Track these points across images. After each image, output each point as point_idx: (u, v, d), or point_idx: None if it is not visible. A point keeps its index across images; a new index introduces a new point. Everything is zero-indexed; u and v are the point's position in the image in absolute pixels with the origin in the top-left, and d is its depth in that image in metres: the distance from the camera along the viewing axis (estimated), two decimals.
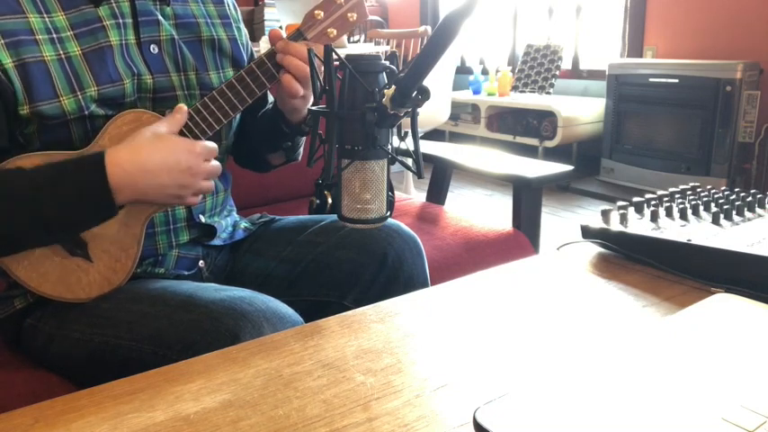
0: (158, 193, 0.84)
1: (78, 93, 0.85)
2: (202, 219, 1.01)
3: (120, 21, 0.90)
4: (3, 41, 0.81)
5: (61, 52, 0.85)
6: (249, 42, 1.11)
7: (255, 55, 1.10)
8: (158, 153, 0.82)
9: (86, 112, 0.86)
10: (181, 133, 0.89)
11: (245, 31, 1.10)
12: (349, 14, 0.94)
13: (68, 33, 0.86)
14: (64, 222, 0.81)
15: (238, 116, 1.07)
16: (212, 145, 0.88)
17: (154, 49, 0.93)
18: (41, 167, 0.81)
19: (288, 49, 0.92)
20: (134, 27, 0.92)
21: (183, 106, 0.89)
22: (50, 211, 0.79)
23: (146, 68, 0.92)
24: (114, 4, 0.90)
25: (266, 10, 4.37)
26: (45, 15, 0.85)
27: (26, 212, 0.78)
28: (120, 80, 0.88)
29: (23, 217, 0.79)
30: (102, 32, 0.88)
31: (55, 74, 0.84)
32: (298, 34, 0.94)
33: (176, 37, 0.96)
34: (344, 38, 4.18)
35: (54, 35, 0.85)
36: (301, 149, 1.15)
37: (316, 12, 0.94)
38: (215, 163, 0.89)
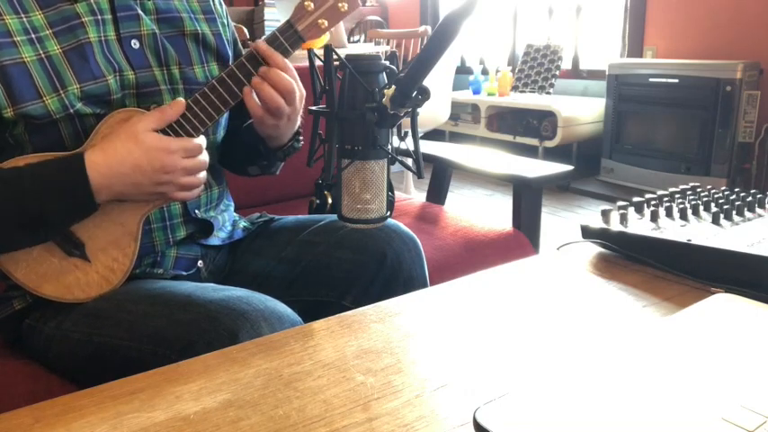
0: (137, 192, 0.86)
1: (61, 91, 0.85)
2: (198, 214, 1.01)
3: (99, 17, 0.90)
4: None
5: (41, 52, 0.85)
6: (237, 39, 1.10)
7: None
8: (130, 156, 0.83)
9: (72, 111, 0.85)
10: (166, 133, 0.87)
11: (231, 28, 1.09)
12: (339, 4, 0.91)
13: (47, 32, 0.86)
14: (48, 222, 0.84)
15: (226, 114, 1.06)
16: (192, 143, 0.87)
17: (135, 44, 0.92)
18: (24, 170, 0.83)
19: (270, 59, 0.90)
20: (113, 22, 0.91)
21: (180, 101, 0.88)
22: (35, 212, 0.82)
23: (127, 64, 0.91)
24: (92, 0, 0.89)
25: (266, 10, 4.36)
26: (23, 15, 0.85)
27: (10, 214, 0.81)
28: (103, 76, 0.88)
29: (8, 219, 0.81)
30: (80, 29, 0.87)
31: (36, 74, 0.84)
32: (288, 26, 0.92)
33: (158, 32, 0.95)
34: (344, 38, 4.18)
35: (33, 35, 0.85)
36: (281, 165, 1.13)
37: (306, 3, 0.91)
38: (200, 159, 0.88)
